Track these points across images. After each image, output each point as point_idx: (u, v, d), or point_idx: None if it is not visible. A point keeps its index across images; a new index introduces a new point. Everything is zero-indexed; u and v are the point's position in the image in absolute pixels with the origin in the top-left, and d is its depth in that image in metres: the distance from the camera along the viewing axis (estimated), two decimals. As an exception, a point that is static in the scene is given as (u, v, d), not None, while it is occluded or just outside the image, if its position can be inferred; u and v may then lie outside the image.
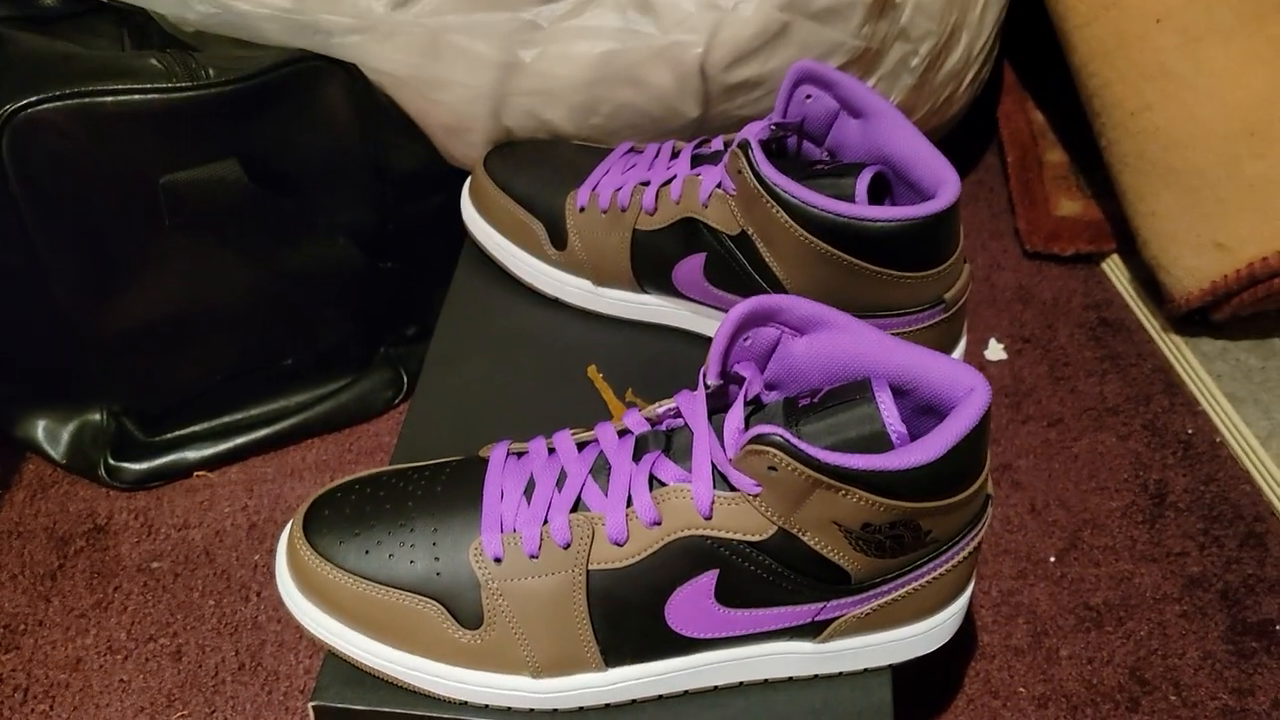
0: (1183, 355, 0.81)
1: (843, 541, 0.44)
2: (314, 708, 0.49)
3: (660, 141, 0.65)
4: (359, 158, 0.71)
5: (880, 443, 0.43)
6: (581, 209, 0.63)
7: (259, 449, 0.77)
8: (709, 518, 0.44)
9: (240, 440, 0.76)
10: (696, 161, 0.61)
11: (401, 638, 0.47)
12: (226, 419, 0.77)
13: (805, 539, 0.44)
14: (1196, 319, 0.82)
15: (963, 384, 0.43)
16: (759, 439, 0.41)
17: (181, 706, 0.63)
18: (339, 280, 0.74)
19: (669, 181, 0.60)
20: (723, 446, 0.44)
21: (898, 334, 0.56)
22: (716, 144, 0.62)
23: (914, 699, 0.62)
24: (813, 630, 0.47)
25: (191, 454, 0.75)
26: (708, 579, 0.45)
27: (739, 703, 0.49)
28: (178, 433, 0.76)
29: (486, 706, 0.48)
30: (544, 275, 0.67)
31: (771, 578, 0.45)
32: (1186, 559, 0.70)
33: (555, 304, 0.68)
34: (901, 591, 0.47)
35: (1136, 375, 0.82)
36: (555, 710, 0.48)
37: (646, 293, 0.64)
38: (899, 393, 0.45)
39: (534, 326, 0.67)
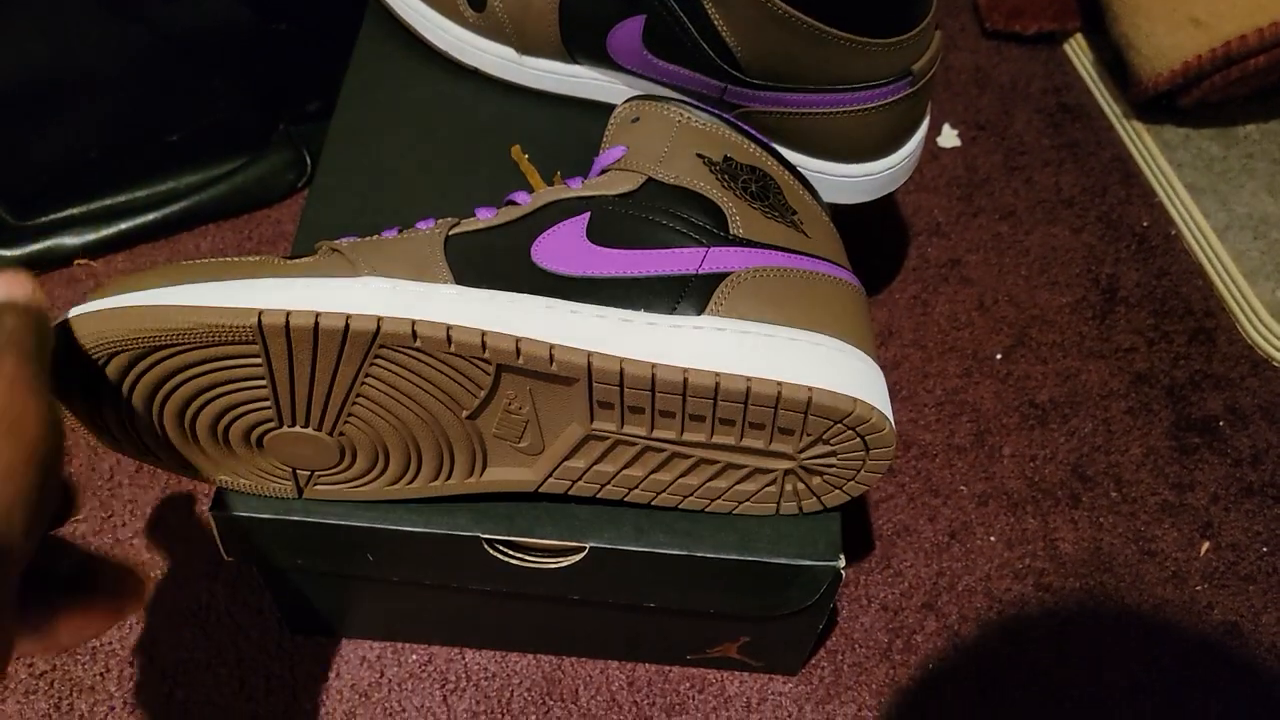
0: (1143, 143, 0.77)
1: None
2: (214, 516, 0.44)
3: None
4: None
5: None
6: None
7: (147, 235, 0.70)
8: None
9: (124, 225, 0.69)
10: None
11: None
12: (108, 201, 0.69)
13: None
14: (1161, 104, 0.77)
15: None
16: None
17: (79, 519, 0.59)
18: (225, 42, 0.65)
19: None
20: None
21: (859, 110, 0.50)
22: None
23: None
24: (695, 289, 0.41)
25: (70, 239, 0.68)
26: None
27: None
28: (53, 216, 0.68)
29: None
30: (460, 42, 0.59)
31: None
32: (1134, 355, 0.68)
33: (473, 75, 0.60)
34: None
35: (1094, 165, 0.78)
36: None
37: (577, 63, 0.57)
38: None
39: (449, 100, 0.59)
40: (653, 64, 0.53)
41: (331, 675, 0.55)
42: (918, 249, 0.72)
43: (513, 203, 0.44)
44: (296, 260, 0.40)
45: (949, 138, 0.79)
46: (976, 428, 0.65)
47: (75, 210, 0.68)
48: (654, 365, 0.38)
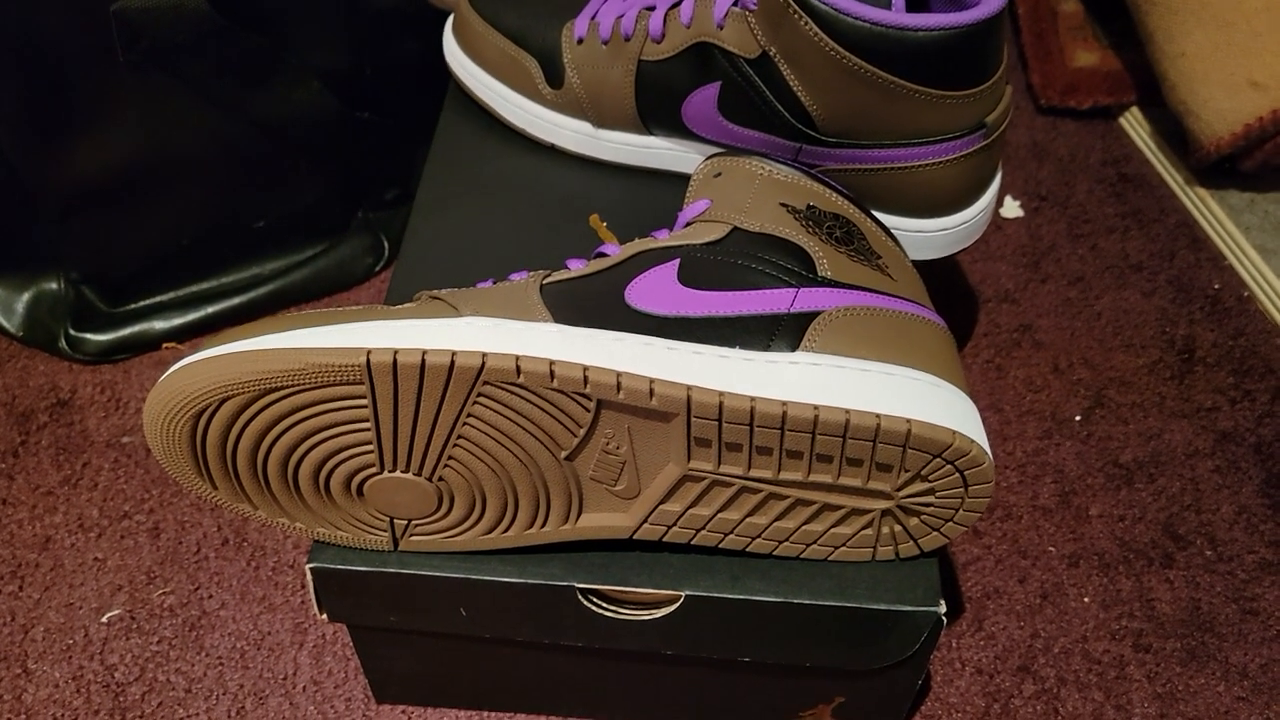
0: (1208, 209, 0.77)
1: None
2: (311, 570, 0.45)
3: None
4: (331, -9, 0.64)
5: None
6: (580, 40, 0.57)
7: (232, 319, 0.72)
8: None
9: (211, 309, 0.71)
10: None
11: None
12: (195, 287, 0.72)
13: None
14: (1224, 169, 0.78)
15: None
16: None
17: (163, 583, 0.59)
18: (312, 130, 0.68)
19: (678, 3, 0.54)
20: None
21: (935, 163, 0.51)
22: None
23: (940, 557, 0.58)
24: (788, 329, 0.42)
25: (159, 324, 0.70)
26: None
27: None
28: (143, 302, 0.70)
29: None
30: (538, 119, 0.61)
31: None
32: (1218, 414, 0.67)
33: (550, 151, 0.62)
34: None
35: (1159, 231, 0.78)
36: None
37: (652, 134, 0.59)
38: None
39: (528, 175, 0.61)
40: (728, 130, 0.55)
41: (417, 745, 0.54)
42: (988, 315, 0.73)
43: (602, 254, 0.45)
44: (399, 306, 0.41)
45: (1011, 208, 0.80)
46: (1061, 489, 0.64)
47: (164, 296, 0.71)
48: (753, 399, 0.39)
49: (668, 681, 0.51)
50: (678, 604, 0.45)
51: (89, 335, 0.69)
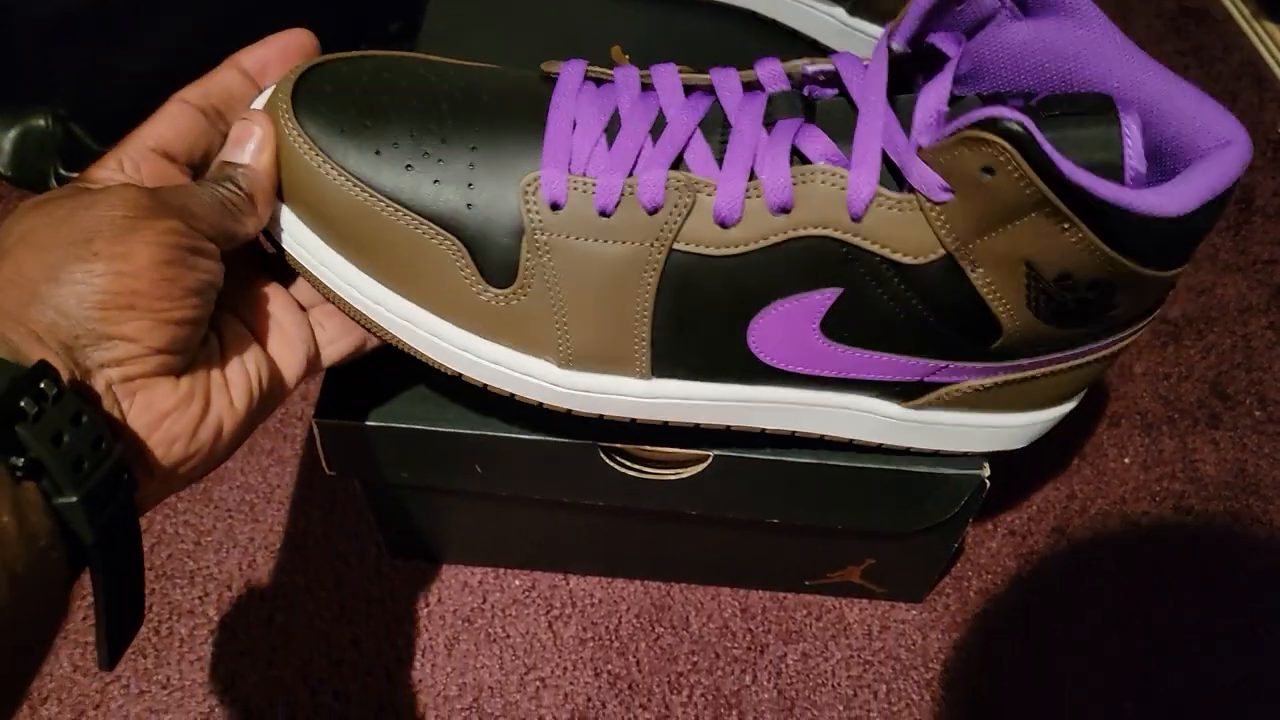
0: (1276, 45, 0.72)
1: (1021, 290, 0.32)
2: (318, 424, 0.42)
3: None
4: None
5: (1112, 178, 0.30)
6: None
7: (231, 159, 0.68)
8: (858, 219, 0.32)
9: (208, 148, 0.67)
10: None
11: (402, 278, 0.35)
12: (190, 124, 0.67)
13: (974, 276, 0.32)
14: (1298, 2, 0.72)
15: (1215, 133, 0.31)
16: (989, 124, 0.29)
17: (167, 435, 0.57)
18: (309, -48, 0.62)
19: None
20: (906, 130, 0.32)
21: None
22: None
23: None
24: (911, 392, 0.38)
25: (153, 164, 0.66)
26: (821, 299, 0.34)
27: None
28: (136, 140, 0.66)
29: (485, 386, 0.38)
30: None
31: (902, 314, 0.34)
32: (1275, 267, 0.63)
33: (568, -25, 0.57)
34: (1037, 372, 0.36)
35: (1221, 70, 0.72)
36: (570, 411, 0.38)
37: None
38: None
39: (542, 3, 0.56)
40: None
41: (433, 600, 0.53)
42: (1034, 160, 0.68)
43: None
44: (485, 301, 0.36)
45: (1063, 45, 0.74)
46: (1105, 345, 0.61)
47: (158, 134, 0.67)
48: None
49: (689, 541, 0.50)
50: (706, 464, 0.42)
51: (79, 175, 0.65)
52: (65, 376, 0.27)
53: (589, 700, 0.50)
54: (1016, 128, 0.28)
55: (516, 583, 0.53)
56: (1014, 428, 0.40)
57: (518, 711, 0.49)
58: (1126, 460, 0.57)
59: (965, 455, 0.42)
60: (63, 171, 0.65)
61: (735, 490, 0.43)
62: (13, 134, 0.65)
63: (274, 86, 0.35)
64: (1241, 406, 0.58)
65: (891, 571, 0.50)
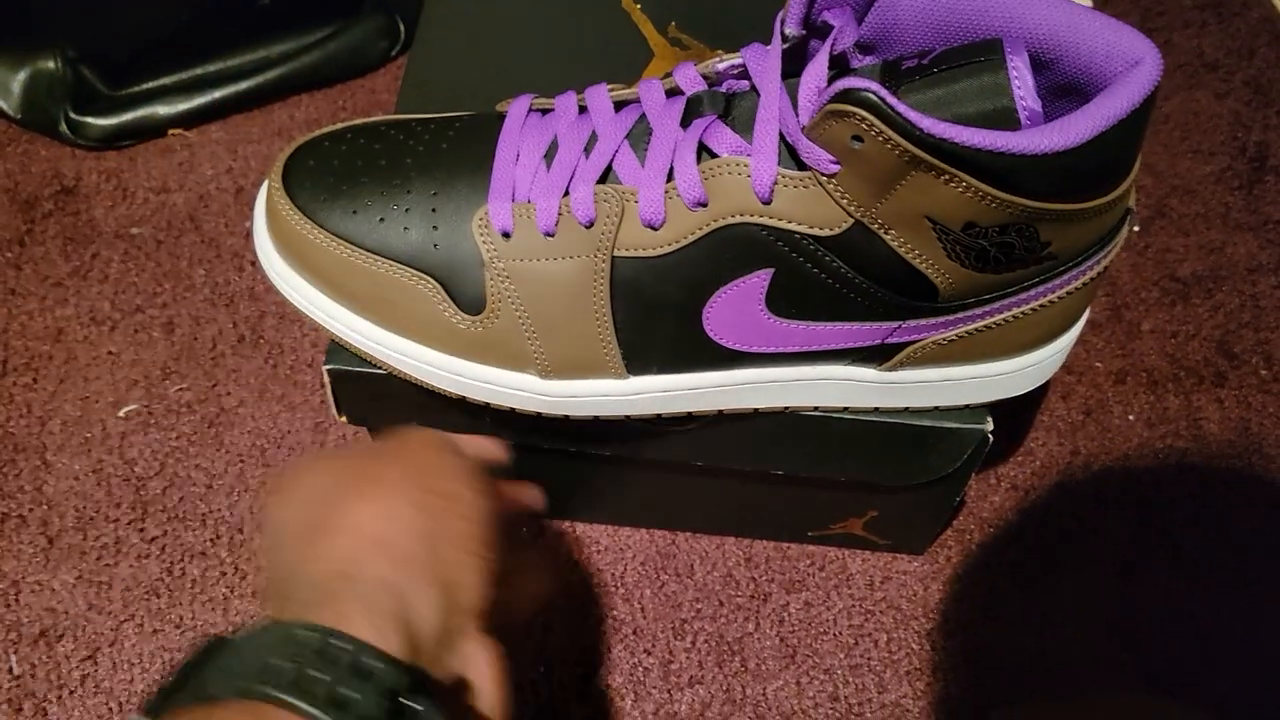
0: (1297, 1, 0.71)
1: (935, 245, 0.33)
2: (329, 372, 0.43)
3: None
4: None
5: (1006, 122, 0.31)
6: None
7: (240, 105, 0.68)
8: (768, 201, 0.34)
9: (218, 94, 0.67)
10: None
11: (391, 318, 0.39)
12: (200, 70, 0.67)
13: (887, 238, 0.33)
14: (1320, -44, 0.71)
15: (1124, 55, 0.31)
16: (845, 96, 0.30)
17: (179, 379, 0.58)
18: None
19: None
20: (796, 112, 0.33)
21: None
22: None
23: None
24: (879, 355, 0.39)
25: (163, 109, 0.66)
26: (757, 280, 0.36)
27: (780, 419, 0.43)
28: (145, 85, 0.66)
29: (487, 405, 0.41)
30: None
31: (838, 284, 0.35)
32: (1286, 227, 0.63)
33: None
34: (999, 318, 0.37)
35: (1240, 26, 0.72)
36: (567, 416, 0.41)
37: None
38: (1037, 64, 0.32)
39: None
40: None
41: (441, 546, 0.53)
42: (1047, 116, 0.68)
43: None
44: (464, 329, 0.39)
45: (1080, -2, 0.73)
46: (1113, 302, 0.61)
47: (168, 79, 0.67)
48: None
49: (694, 491, 0.50)
50: (710, 413, 0.42)
51: (90, 119, 0.65)
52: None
53: (594, 645, 0.50)
54: (869, 95, 0.30)
55: (524, 529, 0.54)
56: (1007, 374, 0.40)
57: (524, 655, 0.50)
58: (1131, 417, 0.57)
59: (968, 407, 0.42)
60: (73, 115, 0.65)
61: (740, 442, 0.44)
62: (22, 76, 0.65)
63: (271, 170, 0.40)
64: (1248, 366, 0.58)
65: (894, 524, 0.51)
